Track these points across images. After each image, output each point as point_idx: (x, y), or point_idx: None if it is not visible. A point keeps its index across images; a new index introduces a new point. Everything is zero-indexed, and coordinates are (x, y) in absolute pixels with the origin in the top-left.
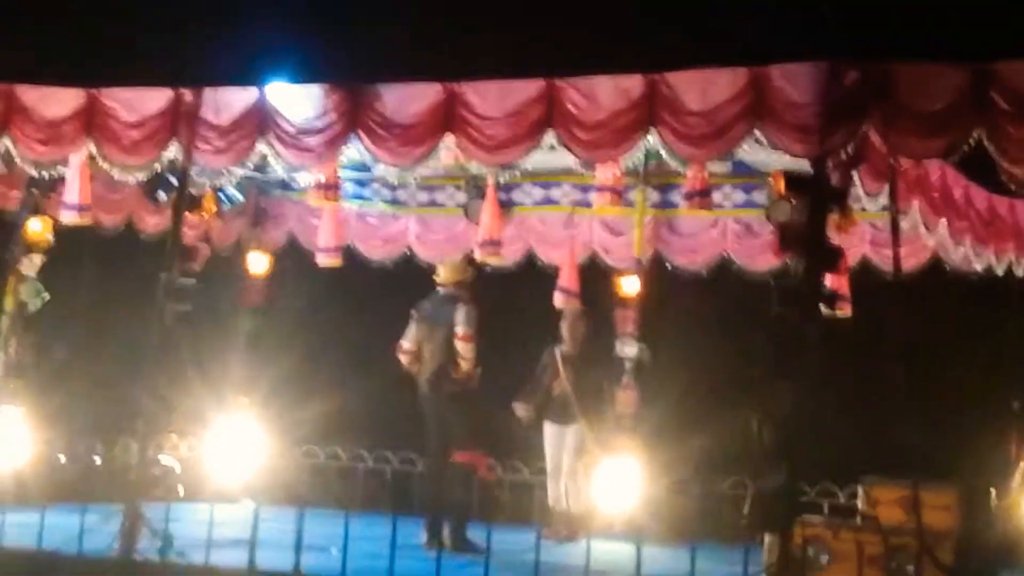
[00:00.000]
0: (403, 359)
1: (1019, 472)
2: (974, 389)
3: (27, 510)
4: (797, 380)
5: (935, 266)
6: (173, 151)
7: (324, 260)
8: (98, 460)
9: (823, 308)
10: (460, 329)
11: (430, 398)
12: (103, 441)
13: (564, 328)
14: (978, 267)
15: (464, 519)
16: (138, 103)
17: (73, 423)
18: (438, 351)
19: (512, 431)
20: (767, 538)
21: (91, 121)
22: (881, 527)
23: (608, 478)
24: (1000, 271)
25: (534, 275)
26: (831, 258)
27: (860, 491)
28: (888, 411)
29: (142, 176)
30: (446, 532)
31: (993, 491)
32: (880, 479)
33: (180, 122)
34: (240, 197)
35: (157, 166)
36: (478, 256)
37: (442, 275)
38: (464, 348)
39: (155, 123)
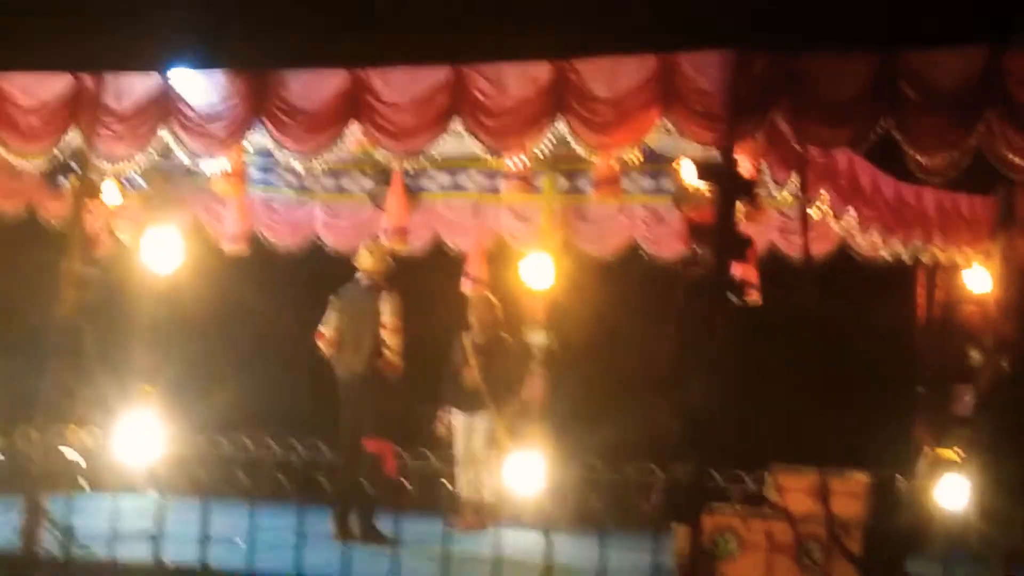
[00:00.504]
0: (322, 345)
1: (925, 459)
2: (881, 376)
3: None
4: (706, 369)
5: (842, 253)
6: (74, 138)
7: (230, 247)
8: None
9: (732, 297)
10: (388, 320)
11: (352, 387)
12: (2, 432)
13: (472, 315)
14: (885, 254)
15: (372, 508)
16: (37, 88)
17: None
18: (363, 340)
19: (419, 419)
20: (676, 527)
21: None
22: (790, 516)
23: (516, 467)
24: (907, 258)
25: (442, 262)
26: (740, 247)
27: (769, 479)
28: (796, 398)
29: (42, 163)
30: (354, 522)
31: (901, 478)
32: (789, 467)
33: (80, 108)
34: (143, 184)
35: (57, 153)
36: (385, 243)
37: (363, 264)
38: (392, 338)
39: (54, 109)
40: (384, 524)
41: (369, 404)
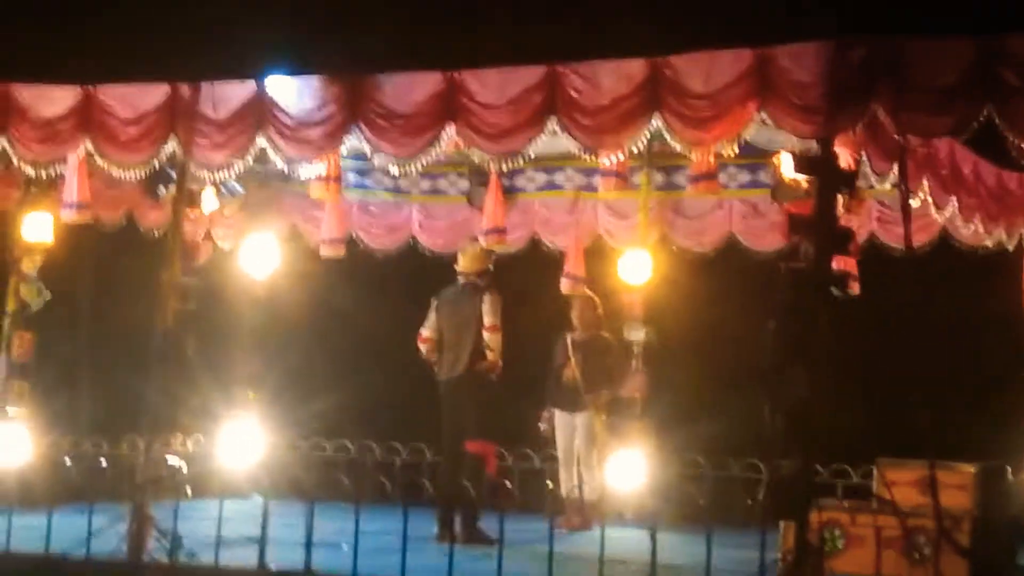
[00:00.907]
0: (422, 347)
1: None
2: (986, 365)
3: (33, 512)
4: (810, 364)
5: (944, 242)
6: (172, 146)
7: (327, 251)
8: (104, 461)
9: (834, 291)
10: (488, 320)
11: (453, 388)
12: (109, 441)
13: (573, 314)
14: (988, 243)
15: (476, 510)
16: (135, 99)
17: (78, 423)
18: (464, 341)
19: (522, 419)
20: (783, 522)
21: (87, 118)
22: (898, 510)
23: (620, 465)
24: (1011, 246)
25: (540, 261)
26: (842, 240)
27: (875, 473)
28: (900, 391)
29: (140, 173)
30: (458, 524)
31: (1009, 468)
32: (895, 460)
33: (178, 117)
34: (241, 190)
35: (156, 162)
36: (483, 243)
37: (463, 264)
38: (492, 339)
39: (152, 119)
40: (488, 525)
41: (471, 405)
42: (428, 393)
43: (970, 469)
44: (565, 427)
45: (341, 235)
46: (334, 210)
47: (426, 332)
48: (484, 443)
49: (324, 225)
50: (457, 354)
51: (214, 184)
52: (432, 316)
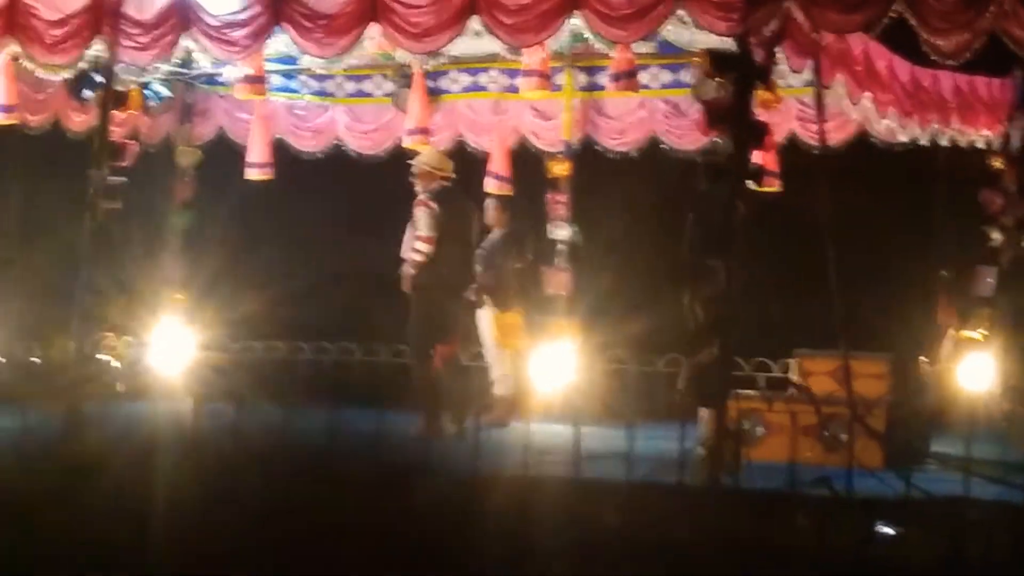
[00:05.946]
0: (427, 248)
1: (948, 339)
2: (904, 260)
3: None
4: (728, 257)
5: (862, 140)
6: (97, 48)
7: (254, 175)
8: (36, 361)
9: (751, 184)
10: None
11: (451, 294)
12: (40, 342)
13: (490, 214)
14: (903, 139)
15: (440, 408)
16: (59, 1)
17: (9, 324)
18: (467, 249)
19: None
20: (702, 413)
21: (12, 20)
22: (814, 397)
23: (544, 361)
24: (925, 142)
25: (464, 162)
26: (757, 134)
27: (792, 363)
28: (820, 284)
29: (67, 75)
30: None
31: (923, 359)
32: (812, 351)
33: (103, 19)
34: (167, 92)
35: (82, 64)
36: (406, 144)
37: (444, 166)
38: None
39: (77, 20)
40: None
41: (461, 313)
42: (359, 295)
43: (885, 359)
44: (491, 323)
45: (267, 159)
46: (259, 129)
47: (433, 233)
48: (451, 346)
49: (249, 148)
50: (461, 262)
51: (140, 85)
52: (435, 219)
